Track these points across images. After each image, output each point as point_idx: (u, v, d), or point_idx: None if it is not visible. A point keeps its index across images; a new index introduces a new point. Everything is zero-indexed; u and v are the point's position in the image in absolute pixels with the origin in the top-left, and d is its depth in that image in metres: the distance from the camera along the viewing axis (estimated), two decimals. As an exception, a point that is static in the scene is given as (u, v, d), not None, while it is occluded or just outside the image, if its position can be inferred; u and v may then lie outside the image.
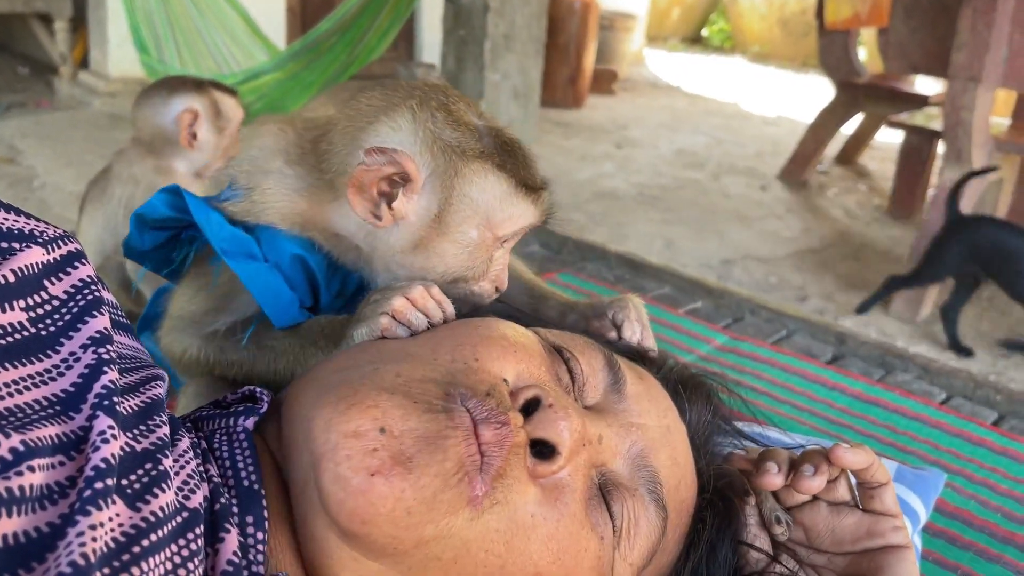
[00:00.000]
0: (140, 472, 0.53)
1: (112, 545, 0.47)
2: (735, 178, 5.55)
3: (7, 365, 0.53)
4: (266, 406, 0.67)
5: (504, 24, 3.07)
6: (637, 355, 0.84)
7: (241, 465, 0.61)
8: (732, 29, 10.99)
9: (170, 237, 0.84)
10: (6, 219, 0.59)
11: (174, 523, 0.52)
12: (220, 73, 3.84)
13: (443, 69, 3.31)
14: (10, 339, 0.54)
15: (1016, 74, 3.43)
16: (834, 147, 5.83)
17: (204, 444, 0.63)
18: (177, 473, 0.56)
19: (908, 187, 4.91)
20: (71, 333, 0.57)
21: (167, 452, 0.55)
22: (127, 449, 0.53)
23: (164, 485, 0.53)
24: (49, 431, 0.50)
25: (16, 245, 0.58)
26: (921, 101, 5.09)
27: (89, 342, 0.57)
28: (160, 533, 0.50)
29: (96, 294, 0.60)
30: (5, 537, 0.44)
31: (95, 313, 0.59)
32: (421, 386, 0.60)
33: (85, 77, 5.66)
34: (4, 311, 0.55)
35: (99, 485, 0.48)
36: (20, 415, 0.50)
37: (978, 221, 3.30)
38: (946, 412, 1.36)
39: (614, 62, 7.98)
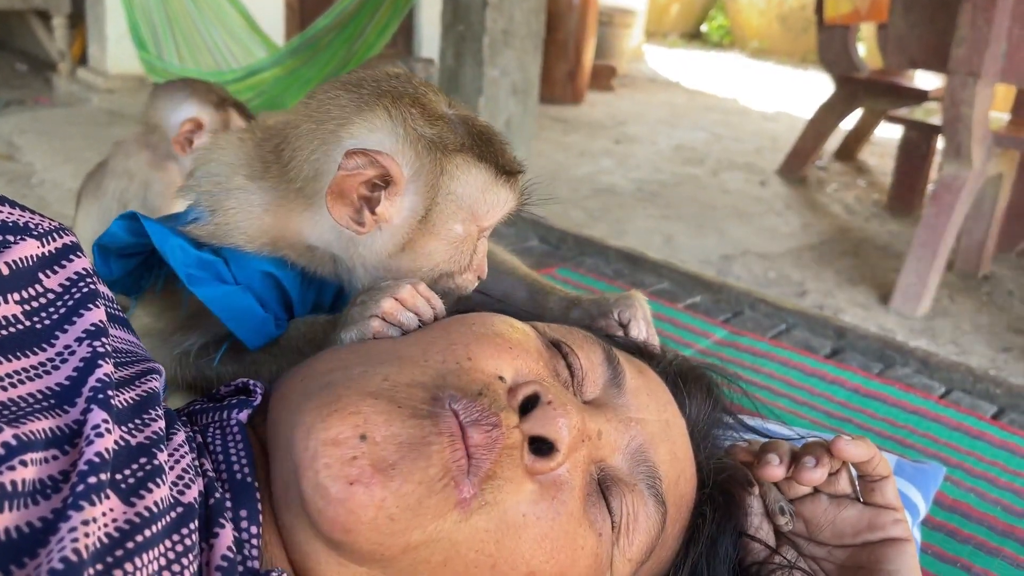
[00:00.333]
0: (135, 467, 0.52)
1: (105, 540, 0.47)
2: (734, 174, 5.55)
3: (1, 359, 0.53)
4: (259, 398, 0.67)
5: (503, 20, 3.05)
6: (636, 349, 0.84)
7: (235, 458, 0.61)
8: (731, 25, 10.98)
9: (139, 263, 0.79)
10: (0, 211, 0.59)
11: (168, 519, 0.52)
12: (219, 70, 3.83)
13: (441, 65, 3.31)
14: (4, 332, 0.54)
15: (1015, 69, 3.42)
16: (833, 143, 5.82)
17: (199, 438, 0.63)
18: (172, 468, 0.56)
19: (907, 183, 4.90)
20: (66, 326, 0.57)
21: (162, 447, 0.55)
22: (122, 443, 0.53)
23: (159, 480, 0.53)
24: (43, 425, 0.49)
25: (11, 238, 0.57)
26: (920, 96, 5.08)
27: (84, 335, 0.56)
28: (154, 529, 0.50)
29: (92, 287, 0.60)
30: None
31: (91, 306, 0.58)
32: (408, 390, 0.59)
33: (83, 74, 5.65)
34: None
35: (92, 480, 0.47)
36: (14, 408, 0.50)
37: None
38: (945, 406, 1.36)
39: (613, 58, 7.98)
